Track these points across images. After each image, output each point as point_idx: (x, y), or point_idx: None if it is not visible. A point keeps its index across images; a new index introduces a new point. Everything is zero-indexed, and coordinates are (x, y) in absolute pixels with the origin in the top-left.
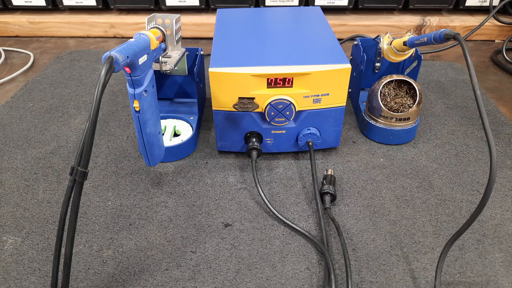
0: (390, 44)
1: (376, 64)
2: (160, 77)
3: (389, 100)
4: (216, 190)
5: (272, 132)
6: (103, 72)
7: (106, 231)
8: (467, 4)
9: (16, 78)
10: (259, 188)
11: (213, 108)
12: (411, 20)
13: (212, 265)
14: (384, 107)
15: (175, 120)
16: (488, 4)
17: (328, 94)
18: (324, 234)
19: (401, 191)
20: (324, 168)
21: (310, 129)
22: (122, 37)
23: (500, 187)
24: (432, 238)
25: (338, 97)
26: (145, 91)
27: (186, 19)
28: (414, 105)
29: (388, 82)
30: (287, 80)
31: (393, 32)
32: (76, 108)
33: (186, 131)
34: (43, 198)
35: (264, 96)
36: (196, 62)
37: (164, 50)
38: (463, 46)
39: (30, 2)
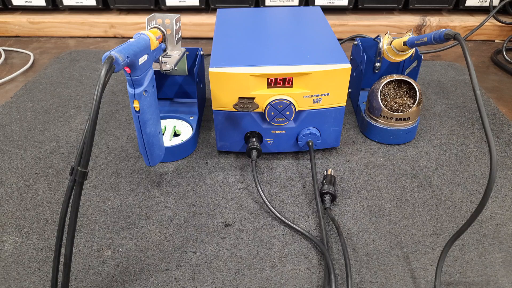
0: (390, 44)
1: (376, 64)
2: (160, 77)
3: (389, 100)
4: (216, 190)
5: (272, 132)
6: (103, 72)
7: (106, 231)
8: (467, 4)
9: (16, 78)
10: (259, 188)
11: (213, 108)
12: (411, 20)
13: (212, 265)
14: (384, 107)
15: (175, 120)
16: (488, 4)
17: (328, 94)
18: (324, 234)
19: (401, 191)
20: (324, 168)
21: (310, 129)
22: (122, 37)
23: (500, 187)
24: (432, 238)
25: (338, 97)
26: (145, 91)
27: (186, 19)
28: (414, 105)
29: (388, 82)
30: (287, 80)
31: (393, 32)
32: (76, 108)
33: (186, 131)
34: (43, 198)
35: (264, 96)
36: (196, 62)
37: (164, 50)
38: (463, 46)
39: (30, 2)
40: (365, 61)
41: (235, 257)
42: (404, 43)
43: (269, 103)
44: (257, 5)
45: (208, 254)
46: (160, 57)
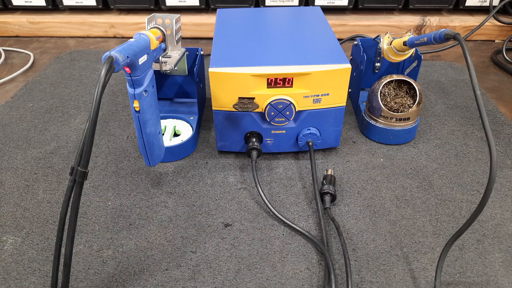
0: (390, 44)
1: (376, 64)
2: (160, 77)
3: (389, 100)
4: (216, 190)
5: (272, 132)
6: (103, 72)
7: (106, 231)
8: (467, 4)
9: (16, 78)
10: (259, 188)
11: (213, 108)
12: (411, 20)
13: (212, 265)
14: (384, 107)
15: (175, 120)
16: (488, 4)
17: (328, 94)
18: (324, 234)
19: (401, 191)
20: (324, 168)
21: (310, 129)
22: (122, 37)
23: (500, 187)
24: (432, 238)
25: (338, 97)
26: (145, 91)
27: (186, 19)
28: (414, 105)
29: (388, 82)
30: (287, 80)
31: (393, 32)
32: (76, 108)
33: (186, 131)
34: (43, 198)
35: (264, 96)
36: (196, 62)
37: (164, 50)
38: (463, 46)
39: (30, 2)
40: (365, 61)
41: (235, 257)
42: (404, 43)
43: (269, 103)
44: (257, 5)
45: (208, 254)
46: (160, 57)
